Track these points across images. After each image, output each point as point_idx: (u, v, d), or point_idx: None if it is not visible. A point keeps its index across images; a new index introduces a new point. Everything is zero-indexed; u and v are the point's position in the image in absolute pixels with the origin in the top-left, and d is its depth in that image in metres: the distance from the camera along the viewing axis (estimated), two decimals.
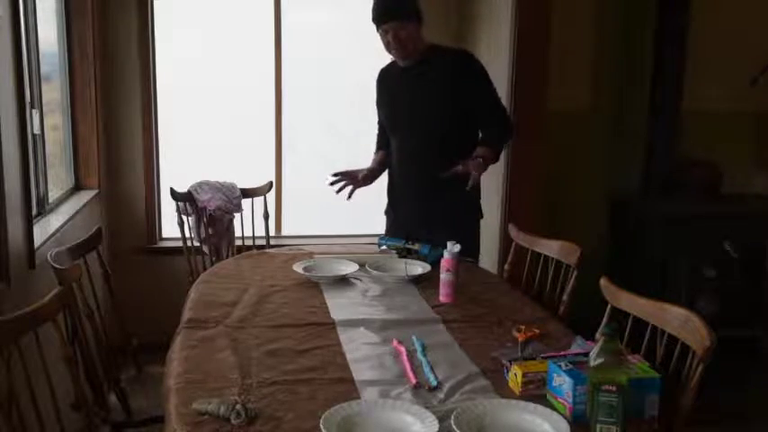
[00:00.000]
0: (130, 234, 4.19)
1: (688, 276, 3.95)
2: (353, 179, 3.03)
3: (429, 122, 3.01)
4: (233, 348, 1.97)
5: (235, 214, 3.92)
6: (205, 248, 3.81)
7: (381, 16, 2.94)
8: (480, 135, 3.03)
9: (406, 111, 3.08)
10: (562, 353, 1.81)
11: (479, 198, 3.14)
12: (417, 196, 3.07)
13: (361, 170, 3.12)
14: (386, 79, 3.20)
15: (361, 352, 1.97)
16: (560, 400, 1.64)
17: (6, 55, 2.50)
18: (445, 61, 3.00)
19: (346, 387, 1.75)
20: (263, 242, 3.91)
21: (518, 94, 3.50)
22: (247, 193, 3.97)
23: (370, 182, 3.14)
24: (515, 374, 1.74)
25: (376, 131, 3.36)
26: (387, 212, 3.29)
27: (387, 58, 3.16)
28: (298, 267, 2.67)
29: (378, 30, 2.98)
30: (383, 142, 3.29)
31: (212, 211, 3.80)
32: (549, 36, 3.50)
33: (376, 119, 3.32)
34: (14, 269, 2.41)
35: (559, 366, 1.66)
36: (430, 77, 2.99)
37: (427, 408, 1.61)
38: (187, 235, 3.70)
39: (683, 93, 4.11)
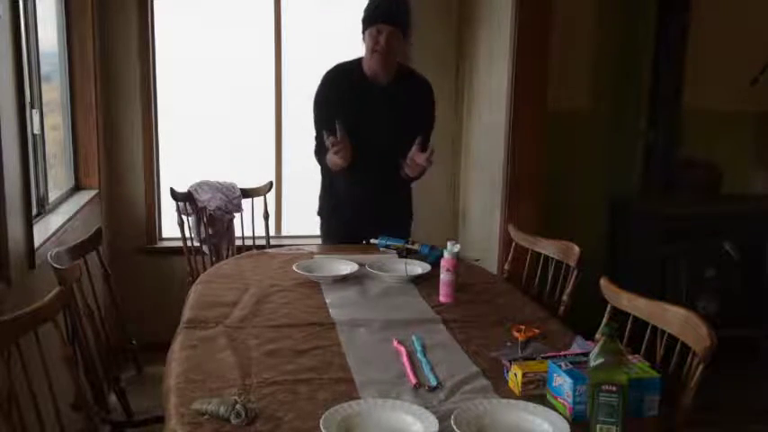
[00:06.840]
0: (130, 234, 4.19)
1: (688, 276, 3.95)
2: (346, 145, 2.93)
3: (400, 147, 3.03)
4: (233, 348, 1.97)
5: (235, 214, 3.92)
6: (205, 248, 3.80)
7: (382, 15, 2.94)
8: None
9: (383, 136, 3.03)
10: (562, 353, 1.81)
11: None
12: (371, 200, 3.13)
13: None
14: (342, 86, 3.11)
15: (361, 352, 1.97)
16: (560, 400, 1.64)
17: (6, 55, 2.50)
18: (415, 86, 3.12)
19: (346, 387, 1.75)
20: (263, 242, 3.91)
21: (518, 94, 3.51)
22: (247, 193, 3.97)
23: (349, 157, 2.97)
24: (515, 374, 1.74)
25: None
26: (325, 214, 3.29)
27: None
28: (298, 267, 2.67)
29: (368, 29, 2.97)
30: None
31: (212, 211, 3.80)
32: (548, 36, 3.50)
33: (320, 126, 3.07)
34: (14, 269, 2.41)
35: (559, 366, 1.66)
36: (407, 102, 3.06)
37: (427, 408, 1.60)
38: (187, 235, 3.69)
39: (683, 93, 4.11)
